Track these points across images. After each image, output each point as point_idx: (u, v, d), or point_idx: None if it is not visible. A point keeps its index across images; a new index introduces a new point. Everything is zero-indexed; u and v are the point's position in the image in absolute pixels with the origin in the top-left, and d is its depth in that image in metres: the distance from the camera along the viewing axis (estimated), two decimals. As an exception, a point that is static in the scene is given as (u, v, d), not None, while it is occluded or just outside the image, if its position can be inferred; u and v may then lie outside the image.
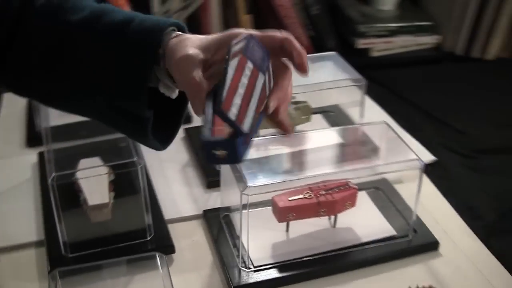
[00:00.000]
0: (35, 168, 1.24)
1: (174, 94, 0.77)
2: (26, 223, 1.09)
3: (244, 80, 0.64)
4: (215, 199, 1.15)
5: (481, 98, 1.58)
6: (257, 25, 2.06)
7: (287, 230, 1.06)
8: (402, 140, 1.05)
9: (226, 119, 0.59)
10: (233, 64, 0.63)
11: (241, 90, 0.63)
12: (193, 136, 1.31)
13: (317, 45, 2.14)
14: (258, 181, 0.94)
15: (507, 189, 1.22)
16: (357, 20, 2.19)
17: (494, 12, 2.37)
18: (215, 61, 0.70)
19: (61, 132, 1.14)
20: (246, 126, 0.61)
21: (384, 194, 1.15)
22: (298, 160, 1.10)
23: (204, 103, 0.65)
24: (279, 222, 1.02)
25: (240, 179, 0.94)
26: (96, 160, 1.10)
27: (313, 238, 1.05)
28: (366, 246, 1.03)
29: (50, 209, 0.98)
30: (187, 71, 0.67)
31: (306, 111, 1.28)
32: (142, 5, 1.79)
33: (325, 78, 1.24)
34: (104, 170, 1.06)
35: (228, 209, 1.09)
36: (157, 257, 0.94)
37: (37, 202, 1.14)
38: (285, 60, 0.71)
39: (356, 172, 1.01)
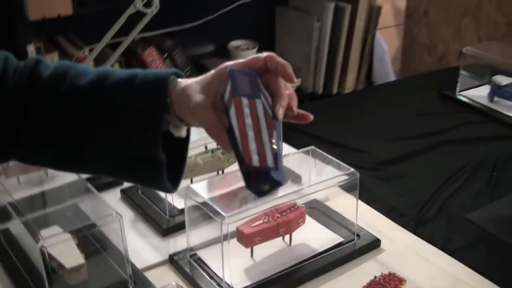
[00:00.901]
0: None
1: (183, 133, 0.85)
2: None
3: (248, 121, 0.72)
4: (173, 244, 1.24)
5: (361, 122, 1.80)
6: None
7: (251, 255, 1.18)
8: (333, 158, 1.23)
9: (254, 170, 0.68)
10: (232, 114, 0.72)
11: (250, 133, 0.70)
12: (131, 195, 1.39)
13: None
14: (232, 211, 1.06)
15: (414, 189, 1.43)
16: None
17: (344, 50, 2.67)
18: (220, 94, 0.79)
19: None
20: (269, 160, 0.69)
21: (320, 211, 1.31)
22: (243, 195, 1.23)
23: (226, 140, 0.74)
24: (246, 247, 1.14)
25: (216, 213, 1.05)
26: (56, 228, 1.16)
27: (275, 257, 1.18)
28: (323, 255, 1.18)
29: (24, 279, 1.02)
30: (203, 118, 0.76)
31: (230, 155, 1.41)
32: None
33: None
34: (68, 235, 1.11)
35: (192, 249, 1.19)
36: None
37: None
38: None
39: (301, 192, 1.17)
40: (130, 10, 1.58)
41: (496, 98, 1.86)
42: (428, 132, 1.70)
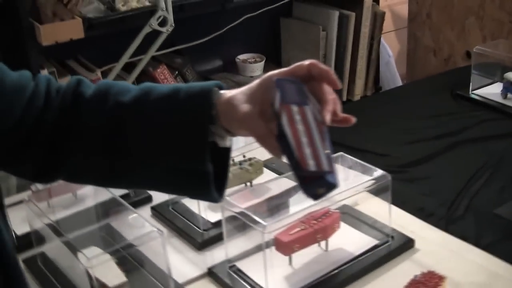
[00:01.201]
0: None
1: (228, 142, 0.85)
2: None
3: (300, 127, 0.74)
4: (210, 257, 1.26)
5: (378, 127, 1.82)
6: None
7: (290, 263, 1.20)
8: (362, 163, 1.25)
9: (311, 175, 0.70)
10: (285, 122, 0.74)
11: (303, 139, 0.73)
12: (162, 212, 1.41)
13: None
14: (271, 220, 1.08)
15: (439, 188, 1.45)
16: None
17: (351, 57, 2.70)
18: (266, 103, 0.79)
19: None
20: (325, 164, 0.71)
21: (351, 216, 1.33)
22: (276, 203, 1.25)
23: (277, 148, 0.76)
24: (285, 255, 1.16)
25: (255, 223, 1.07)
26: (95, 249, 1.18)
27: (313, 263, 1.20)
28: (359, 258, 1.20)
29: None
30: (253, 128, 0.78)
31: (258, 166, 1.44)
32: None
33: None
34: (108, 255, 1.13)
35: (230, 260, 1.20)
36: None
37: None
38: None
39: (333, 198, 1.19)
40: (146, 30, 1.61)
41: (509, 95, 1.88)
42: (446, 133, 1.73)
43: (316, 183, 0.71)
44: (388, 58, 2.99)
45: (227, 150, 0.87)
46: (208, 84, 0.83)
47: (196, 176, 0.83)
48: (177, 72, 2.32)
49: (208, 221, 1.32)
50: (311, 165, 0.70)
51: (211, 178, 0.83)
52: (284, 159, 0.76)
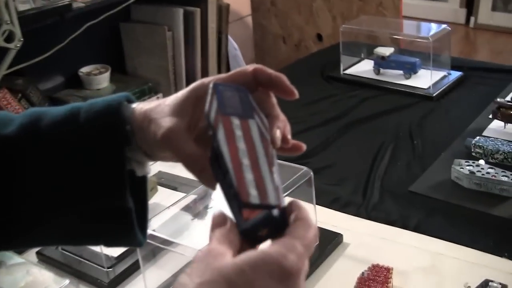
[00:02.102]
0: None
1: (147, 170, 0.67)
2: None
3: (241, 146, 0.56)
4: (123, 297, 1.09)
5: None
6: None
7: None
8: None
9: (252, 207, 0.52)
10: (221, 137, 0.56)
11: (245, 161, 0.55)
12: (51, 255, 1.20)
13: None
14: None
15: (346, 175, 1.38)
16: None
17: (201, 55, 2.58)
18: (196, 119, 0.62)
19: None
20: (271, 196, 0.53)
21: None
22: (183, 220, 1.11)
23: (211, 175, 0.59)
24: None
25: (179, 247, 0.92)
26: None
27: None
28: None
29: None
30: (177, 147, 0.60)
31: (152, 184, 1.28)
32: None
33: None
34: None
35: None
36: None
37: None
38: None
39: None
40: (-10, 49, 1.38)
41: (382, 70, 1.86)
42: (331, 117, 1.66)
43: (258, 222, 0.53)
44: (235, 52, 2.91)
45: (143, 179, 0.68)
46: (114, 97, 0.64)
47: (115, 216, 0.64)
48: (20, 95, 2.06)
49: (112, 256, 1.14)
50: (253, 196, 0.52)
51: (133, 216, 0.64)
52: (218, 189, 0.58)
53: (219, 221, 0.54)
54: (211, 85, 0.60)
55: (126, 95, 0.65)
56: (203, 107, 0.61)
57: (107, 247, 0.71)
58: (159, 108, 0.63)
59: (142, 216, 0.67)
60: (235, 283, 0.47)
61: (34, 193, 0.63)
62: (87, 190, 0.62)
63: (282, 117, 0.63)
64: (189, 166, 0.60)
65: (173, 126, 0.61)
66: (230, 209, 0.55)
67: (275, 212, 0.53)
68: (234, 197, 0.53)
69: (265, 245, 0.51)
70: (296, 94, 0.63)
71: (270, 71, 0.64)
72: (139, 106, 0.64)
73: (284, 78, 0.63)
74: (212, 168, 0.58)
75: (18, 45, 1.37)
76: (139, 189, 0.67)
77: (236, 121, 0.57)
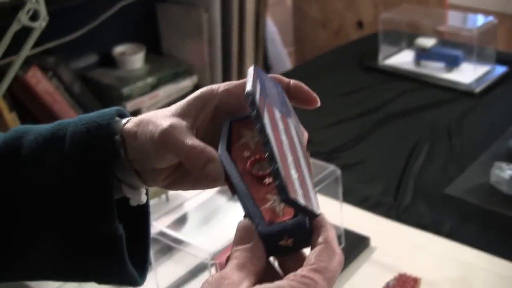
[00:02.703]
0: None
1: (142, 198, 0.59)
2: None
3: (284, 140, 0.49)
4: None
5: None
6: (26, 121, 1.91)
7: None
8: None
9: (298, 208, 0.45)
10: (267, 123, 0.48)
11: (289, 157, 0.48)
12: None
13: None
14: (208, 241, 0.88)
15: (377, 173, 1.31)
16: (115, 85, 2.16)
17: (238, 38, 2.53)
18: (200, 123, 0.56)
19: None
20: (314, 202, 0.47)
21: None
22: (201, 216, 1.06)
23: (219, 165, 0.51)
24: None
25: (191, 248, 0.87)
26: None
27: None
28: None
29: None
30: (178, 142, 0.52)
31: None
32: None
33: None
34: None
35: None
36: None
37: None
38: None
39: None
40: (15, 27, 1.33)
41: (422, 62, 1.77)
42: (367, 110, 1.59)
43: (288, 228, 0.46)
44: (273, 35, 2.84)
45: (142, 209, 0.61)
46: (107, 110, 0.58)
47: (102, 245, 0.56)
48: (51, 73, 2.03)
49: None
50: (299, 195, 0.45)
51: (123, 244, 0.56)
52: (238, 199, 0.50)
53: (243, 235, 0.47)
54: (252, 68, 0.53)
55: (117, 109, 0.58)
56: (209, 112, 0.55)
57: (100, 284, 0.61)
58: (159, 112, 0.56)
59: (139, 248, 0.60)
60: None
61: (12, 215, 0.56)
62: (69, 212, 0.55)
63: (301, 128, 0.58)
64: (193, 160, 0.52)
65: (174, 123, 0.54)
66: (250, 205, 0.48)
67: (307, 222, 0.46)
68: (279, 189, 0.44)
69: (280, 282, 0.43)
70: (318, 102, 0.57)
71: (287, 79, 0.58)
72: (133, 118, 0.57)
73: (303, 86, 0.57)
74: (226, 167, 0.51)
75: (43, 24, 1.32)
76: (137, 219, 0.60)
77: (277, 113, 0.51)
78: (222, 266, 0.93)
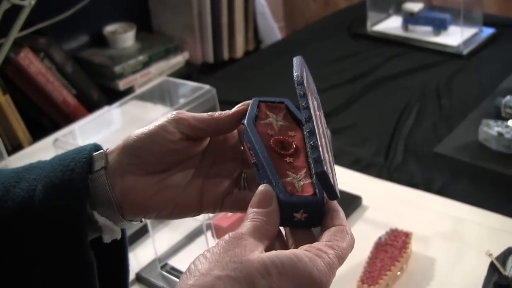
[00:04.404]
0: None
1: (118, 234, 0.56)
2: None
3: (320, 127, 0.52)
4: (134, 260, 1.06)
5: (281, 82, 1.66)
6: (20, 103, 1.92)
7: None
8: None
9: (327, 184, 0.47)
10: (310, 104, 0.51)
11: (323, 141, 0.51)
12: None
13: (83, 101, 2.08)
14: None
15: (367, 135, 1.33)
16: (107, 64, 2.17)
17: (228, 12, 2.53)
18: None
19: None
20: (337, 186, 0.49)
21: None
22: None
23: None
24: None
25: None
26: None
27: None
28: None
29: None
30: (196, 116, 0.55)
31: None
32: None
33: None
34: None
35: (160, 259, 1.02)
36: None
37: None
38: None
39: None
40: (5, 5, 1.34)
41: (410, 26, 1.79)
42: (356, 75, 1.60)
43: (306, 201, 0.48)
44: (263, 8, 2.83)
45: (122, 244, 0.58)
46: (81, 147, 0.56)
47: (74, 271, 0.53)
48: (43, 54, 2.04)
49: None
50: (330, 173, 0.48)
51: (93, 271, 0.54)
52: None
53: (263, 199, 0.48)
54: (298, 57, 0.56)
55: (95, 145, 0.57)
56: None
57: None
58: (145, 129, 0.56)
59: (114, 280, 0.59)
60: (257, 285, 0.42)
61: None
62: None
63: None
64: (215, 128, 0.56)
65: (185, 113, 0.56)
66: (273, 173, 0.50)
67: (323, 203, 0.49)
68: (316, 161, 0.47)
69: (296, 250, 0.45)
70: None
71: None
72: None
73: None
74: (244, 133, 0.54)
75: (32, 2, 1.33)
76: (112, 254, 0.58)
77: (315, 103, 0.54)
78: (217, 227, 0.96)
